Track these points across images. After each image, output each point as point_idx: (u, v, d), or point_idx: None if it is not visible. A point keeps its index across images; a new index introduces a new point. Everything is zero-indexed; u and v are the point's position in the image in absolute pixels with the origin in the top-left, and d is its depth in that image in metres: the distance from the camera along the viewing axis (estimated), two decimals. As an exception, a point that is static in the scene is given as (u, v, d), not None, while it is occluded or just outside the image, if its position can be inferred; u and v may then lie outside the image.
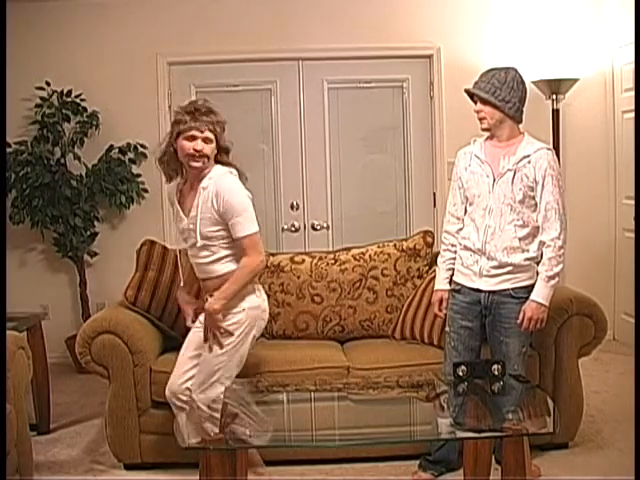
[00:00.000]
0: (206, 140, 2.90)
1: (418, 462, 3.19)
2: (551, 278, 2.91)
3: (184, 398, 2.98)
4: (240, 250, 2.93)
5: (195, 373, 2.98)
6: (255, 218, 2.94)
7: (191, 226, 2.96)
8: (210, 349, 2.94)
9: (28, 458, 2.92)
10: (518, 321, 2.94)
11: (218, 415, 2.74)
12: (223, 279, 2.95)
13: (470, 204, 3.07)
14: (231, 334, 2.93)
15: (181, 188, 3.06)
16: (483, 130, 3.04)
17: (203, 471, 2.43)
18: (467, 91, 3.02)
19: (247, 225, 2.91)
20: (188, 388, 2.97)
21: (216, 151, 2.96)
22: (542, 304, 2.92)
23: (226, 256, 2.96)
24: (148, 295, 3.52)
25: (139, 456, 3.29)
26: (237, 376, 3.01)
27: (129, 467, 3.33)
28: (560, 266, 2.93)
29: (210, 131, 2.90)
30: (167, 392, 3.03)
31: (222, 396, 2.86)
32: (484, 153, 3.03)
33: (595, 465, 3.22)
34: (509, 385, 2.82)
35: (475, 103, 3.00)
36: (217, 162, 2.99)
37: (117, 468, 3.34)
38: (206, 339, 2.94)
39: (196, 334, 3.04)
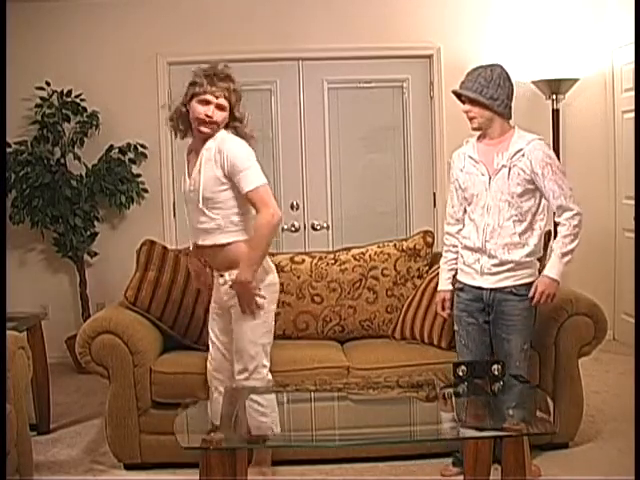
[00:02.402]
0: (219, 107, 2.89)
1: (451, 460, 3.19)
2: (565, 255, 2.95)
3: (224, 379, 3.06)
4: (250, 208, 2.92)
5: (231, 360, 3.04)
6: (261, 171, 2.89)
7: (191, 187, 2.93)
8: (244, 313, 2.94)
9: (28, 458, 2.92)
10: (530, 295, 2.96)
11: (262, 401, 2.85)
12: (222, 250, 2.93)
13: (469, 204, 3.08)
14: (264, 297, 2.95)
15: (190, 148, 3.04)
16: (474, 129, 3.05)
17: (203, 471, 2.43)
18: (455, 92, 3.04)
19: (253, 178, 2.85)
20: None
21: (228, 119, 2.94)
22: (554, 279, 2.95)
23: (226, 225, 2.92)
24: (148, 295, 3.52)
25: (139, 456, 3.29)
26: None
27: (129, 467, 3.33)
28: (574, 243, 2.96)
29: (225, 98, 2.89)
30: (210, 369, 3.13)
31: (269, 377, 3.00)
32: (477, 153, 3.04)
33: (595, 465, 3.22)
34: (509, 385, 2.82)
35: (463, 103, 3.02)
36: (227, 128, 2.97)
37: (117, 468, 3.33)
38: (244, 311, 2.92)
39: (215, 320, 3.10)
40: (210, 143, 2.90)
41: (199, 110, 2.87)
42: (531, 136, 3.00)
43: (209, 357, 3.16)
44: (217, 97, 2.88)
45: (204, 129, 2.89)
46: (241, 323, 2.96)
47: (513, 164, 2.95)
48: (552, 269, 2.96)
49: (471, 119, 3.01)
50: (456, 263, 3.17)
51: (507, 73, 2.99)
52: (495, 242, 2.98)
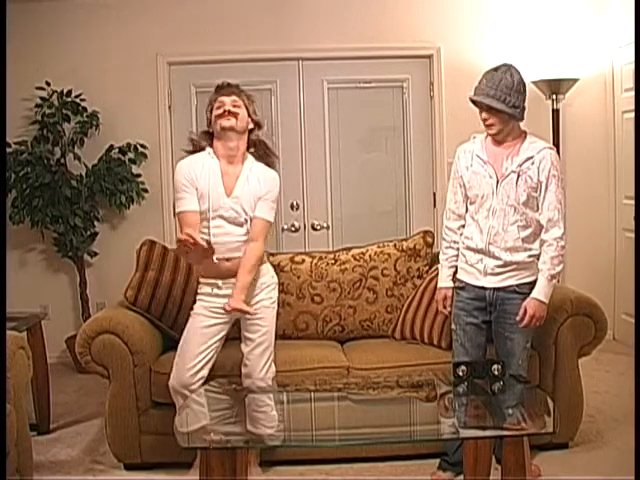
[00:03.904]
0: (234, 104, 3.07)
1: (438, 463, 3.17)
2: (553, 277, 2.93)
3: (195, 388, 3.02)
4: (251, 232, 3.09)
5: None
6: None
7: (233, 204, 3.06)
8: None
9: (28, 458, 2.92)
10: (518, 318, 2.94)
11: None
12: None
13: (471, 203, 3.06)
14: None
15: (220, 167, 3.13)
16: (492, 135, 2.99)
17: (203, 471, 2.43)
18: (472, 100, 2.94)
19: (271, 212, 3.13)
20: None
21: (251, 125, 3.12)
22: (543, 302, 2.93)
23: None
24: (148, 295, 3.52)
25: (139, 456, 3.29)
26: (239, 376, 3.05)
27: (129, 467, 3.33)
28: (561, 265, 2.95)
29: (236, 95, 3.09)
30: (174, 382, 3.06)
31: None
32: (486, 153, 3.01)
33: (595, 465, 3.22)
34: (509, 385, 2.83)
35: (479, 108, 2.96)
36: (251, 149, 3.16)
37: (117, 468, 3.33)
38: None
39: (207, 328, 3.08)
40: (250, 164, 3.11)
41: (217, 112, 3.07)
42: (542, 144, 2.98)
43: (192, 364, 3.07)
44: (229, 95, 3.09)
45: (224, 122, 3.05)
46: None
47: (522, 171, 2.93)
48: (541, 292, 2.93)
49: (489, 126, 2.95)
50: (457, 260, 3.14)
51: (521, 75, 2.94)
52: (499, 245, 2.97)
